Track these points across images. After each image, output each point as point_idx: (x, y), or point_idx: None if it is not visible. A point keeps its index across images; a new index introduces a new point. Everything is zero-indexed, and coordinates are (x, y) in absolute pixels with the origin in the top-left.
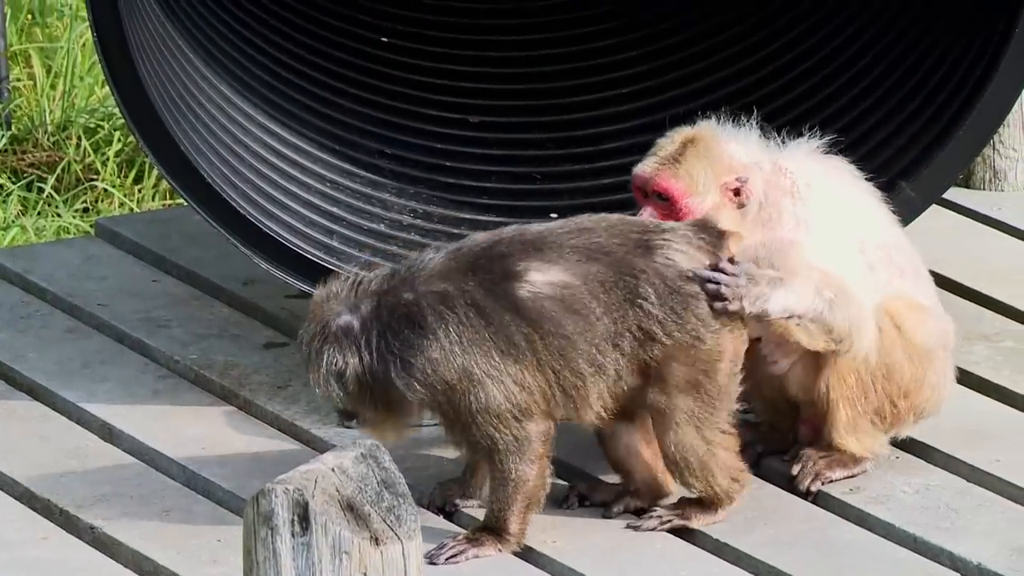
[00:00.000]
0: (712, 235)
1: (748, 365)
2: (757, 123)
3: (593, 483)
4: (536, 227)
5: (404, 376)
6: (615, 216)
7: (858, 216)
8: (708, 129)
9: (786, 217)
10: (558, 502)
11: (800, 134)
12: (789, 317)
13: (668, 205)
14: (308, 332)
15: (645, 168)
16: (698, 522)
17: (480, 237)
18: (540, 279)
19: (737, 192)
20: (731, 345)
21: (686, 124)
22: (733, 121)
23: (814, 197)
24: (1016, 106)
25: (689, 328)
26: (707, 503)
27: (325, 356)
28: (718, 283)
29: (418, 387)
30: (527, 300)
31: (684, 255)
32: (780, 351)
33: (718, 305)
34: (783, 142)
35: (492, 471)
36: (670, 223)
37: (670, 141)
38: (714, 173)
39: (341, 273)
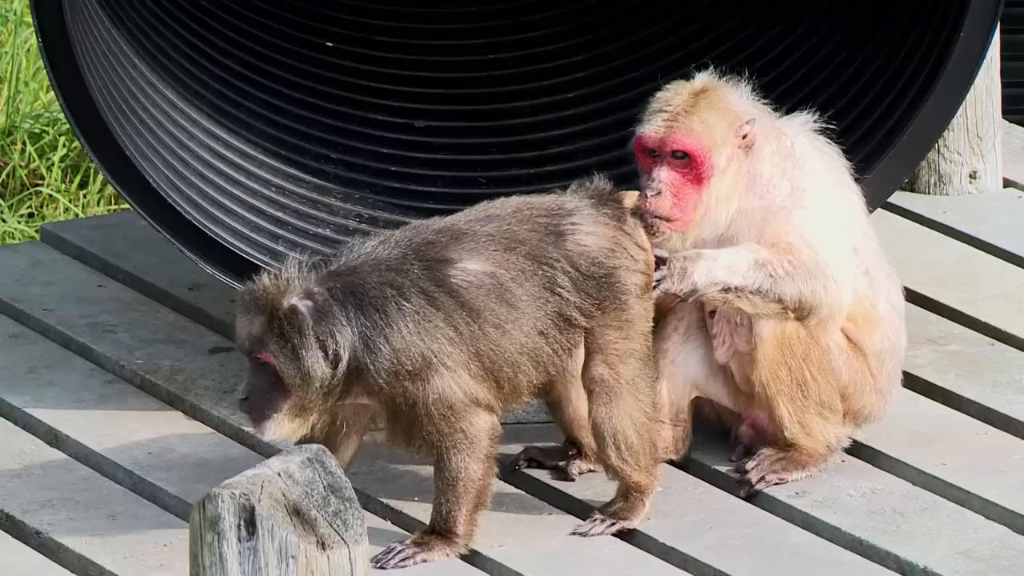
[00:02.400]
0: (613, 207)
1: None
2: (750, 85)
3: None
4: (443, 219)
5: (376, 361)
6: (516, 199)
7: (845, 200)
8: (712, 79)
9: (784, 181)
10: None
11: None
12: (725, 290)
13: (688, 163)
14: (288, 312)
15: (656, 127)
16: (636, 519)
17: (399, 231)
18: (470, 267)
19: (744, 136)
20: (650, 311)
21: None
22: (726, 77)
23: (810, 167)
24: (960, 111)
25: (607, 305)
26: (632, 494)
27: (326, 329)
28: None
29: (384, 374)
30: (463, 288)
31: (593, 236)
32: (728, 332)
33: (659, 289)
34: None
35: (441, 471)
36: (572, 203)
37: (675, 94)
38: (728, 123)
39: (272, 267)
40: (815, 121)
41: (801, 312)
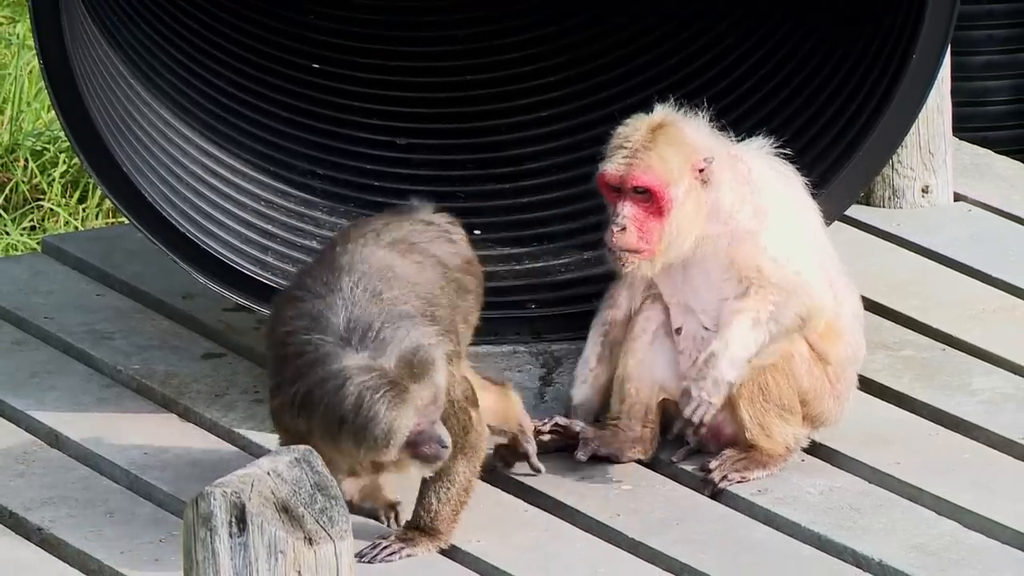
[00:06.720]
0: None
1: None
2: (708, 115)
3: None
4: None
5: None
6: (389, 217)
7: (805, 216)
8: (670, 113)
9: (745, 206)
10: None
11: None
12: (747, 361)
13: (649, 198)
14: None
15: (616, 165)
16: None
17: (343, 257)
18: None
19: (702, 171)
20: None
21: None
22: (684, 110)
23: (768, 190)
24: (913, 128)
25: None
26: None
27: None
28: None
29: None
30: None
31: (465, 242)
32: (693, 348)
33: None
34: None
35: (442, 472)
36: (432, 217)
37: (633, 130)
38: (685, 157)
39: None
40: (770, 144)
41: (803, 328)
